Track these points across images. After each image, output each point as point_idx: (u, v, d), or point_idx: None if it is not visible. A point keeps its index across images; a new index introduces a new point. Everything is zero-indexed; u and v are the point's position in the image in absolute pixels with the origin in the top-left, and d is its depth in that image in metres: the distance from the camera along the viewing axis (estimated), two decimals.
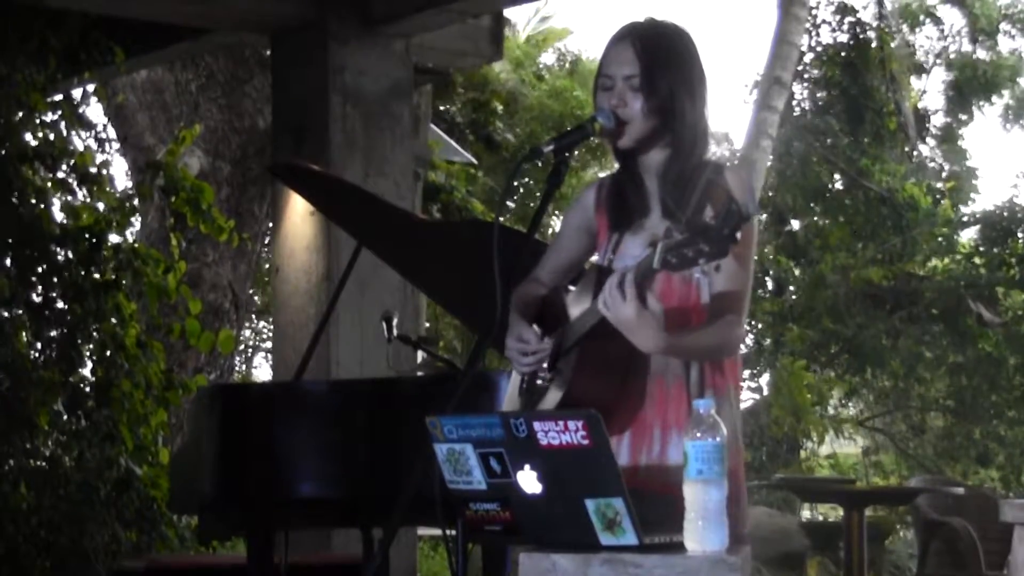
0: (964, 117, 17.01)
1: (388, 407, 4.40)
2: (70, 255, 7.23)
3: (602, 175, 3.21)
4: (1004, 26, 17.09)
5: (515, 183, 14.71)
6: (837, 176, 15.79)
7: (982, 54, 17.07)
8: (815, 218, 16.40)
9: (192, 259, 9.63)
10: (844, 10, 15.63)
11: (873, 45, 15.50)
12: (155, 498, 7.17)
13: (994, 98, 16.97)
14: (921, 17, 16.93)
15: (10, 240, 7.14)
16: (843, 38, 15.63)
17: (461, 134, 14.02)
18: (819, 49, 15.74)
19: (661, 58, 2.86)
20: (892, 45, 15.68)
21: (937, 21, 17.06)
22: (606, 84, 2.89)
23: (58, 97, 7.82)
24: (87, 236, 7.24)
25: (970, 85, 16.74)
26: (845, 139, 15.36)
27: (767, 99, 12.95)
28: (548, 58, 18.63)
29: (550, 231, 18.12)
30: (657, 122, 2.88)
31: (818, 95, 15.81)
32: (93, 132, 7.63)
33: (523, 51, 17.23)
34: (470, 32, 7.75)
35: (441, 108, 13.83)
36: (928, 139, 16.75)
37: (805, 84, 15.86)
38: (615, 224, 2.97)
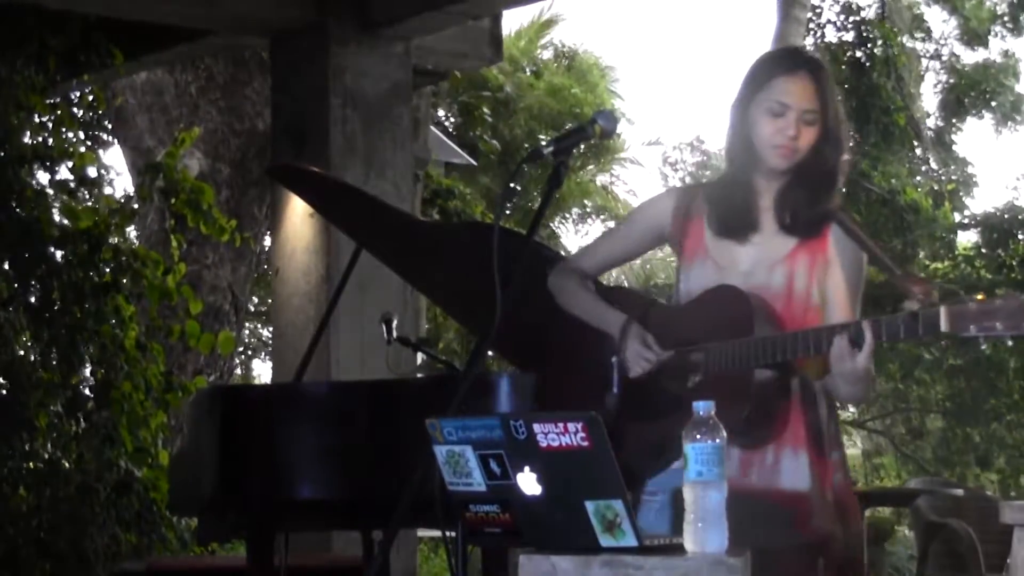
0: (958, 120, 17.02)
1: (388, 409, 4.39)
2: (69, 257, 7.23)
3: (678, 184, 3.31)
4: (995, 28, 17.08)
5: (514, 184, 14.71)
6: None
7: (974, 56, 17.08)
8: None
9: (192, 261, 9.62)
10: (849, 9, 15.63)
11: (879, 43, 15.48)
12: (155, 500, 7.16)
13: (991, 103, 16.96)
14: (912, 24, 16.95)
15: (9, 242, 7.13)
16: (848, 37, 15.63)
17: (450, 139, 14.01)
18: (824, 48, 15.73)
19: (833, 100, 3.00)
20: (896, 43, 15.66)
21: (922, 25, 17.07)
22: (776, 110, 2.97)
23: (57, 99, 7.82)
24: (86, 238, 7.23)
25: (966, 90, 16.74)
26: (849, 140, 15.35)
27: None
28: (545, 53, 18.63)
29: (560, 238, 18.17)
30: (812, 155, 2.99)
31: None
32: (93, 132, 7.62)
33: (520, 50, 17.21)
34: (469, 34, 7.75)
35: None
36: (924, 142, 16.75)
37: None
38: (724, 233, 3.03)
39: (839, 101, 3.04)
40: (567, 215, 18.67)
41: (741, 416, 2.80)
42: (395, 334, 4.97)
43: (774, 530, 2.43)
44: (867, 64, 15.36)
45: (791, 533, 2.82)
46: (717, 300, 2.96)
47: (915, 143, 15.90)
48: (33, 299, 7.22)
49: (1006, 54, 17.13)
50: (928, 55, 17.33)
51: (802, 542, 2.84)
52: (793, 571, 2.70)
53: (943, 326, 2.52)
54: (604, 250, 3.26)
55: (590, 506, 2.37)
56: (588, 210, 19.20)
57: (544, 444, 2.37)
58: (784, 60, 3.03)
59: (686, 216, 3.09)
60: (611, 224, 20.17)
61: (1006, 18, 16.96)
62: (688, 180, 22.69)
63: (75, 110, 7.71)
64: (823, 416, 2.97)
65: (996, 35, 17.10)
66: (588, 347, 3.09)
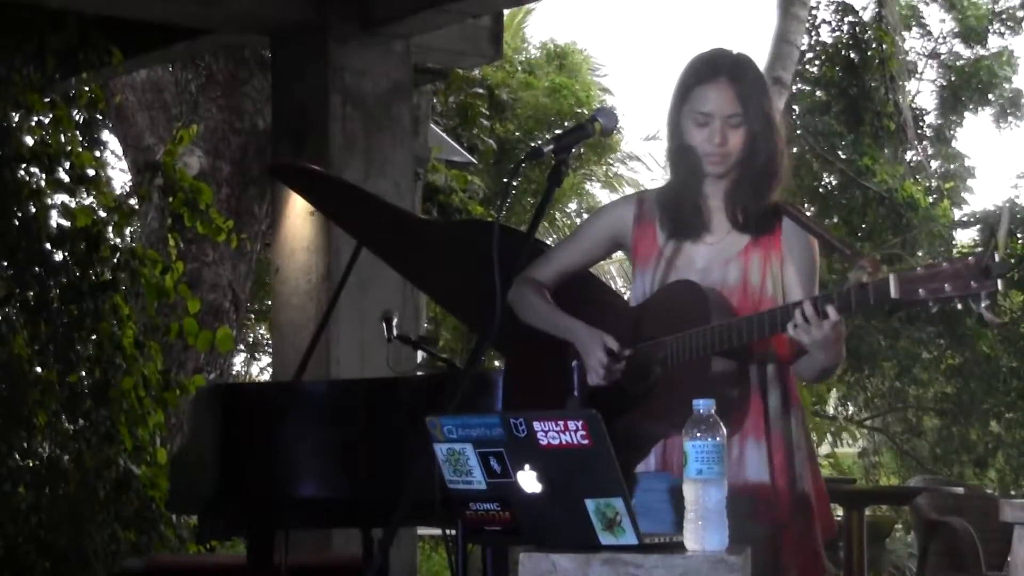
0: (956, 118, 17.01)
1: (388, 407, 4.40)
2: (67, 256, 7.22)
3: (643, 189, 3.32)
4: (994, 25, 17.08)
5: (513, 183, 14.69)
6: (833, 176, 15.77)
7: (972, 53, 17.06)
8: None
9: (192, 259, 9.61)
10: (845, 10, 15.61)
11: (873, 45, 15.49)
12: (154, 498, 7.17)
13: (988, 98, 16.95)
14: (910, 21, 16.94)
15: (7, 241, 7.13)
16: (843, 37, 15.61)
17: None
18: (819, 48, 15.73)
19: (757, 97, 3.01)
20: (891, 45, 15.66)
21: (922, 24, 17.06)
22: (700, 121, 3.00)
23: (56, 97, 7.80)
24: (84, 237, 7.23)
25: (963, 86, 16.73)
26: (844, 139, 15.35)
27: None
28: (535, 51, 18.57)
29: (550, 237, 18.14)
30: (746, 153, 3.01)
31: (817, 94, 15.81)
32: (91, 133, 7.61)
33: (512, 47, 17.15)
34: (470, 32, 7.75)
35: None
36: (922, 140, 16.74)
37: (804, 84, 15.85)
38: (677, 235, 3.06)
39: (767, 95, 3.05)
40: (564, 212, 18.64)
41: None
42: (395, 332, 4.97)
43: (739, 522, 2.43)
44: (860, 66, 15.35)
45: (751, 525, 2.79)
46: (671, 294, 2.99)
47: (905, 148, 15.91)
48: (31, 298, 7.21)
49: (1004, 51, 17.12)
50: (927, 53, 17.33)
51: (760, 534, 2.83)
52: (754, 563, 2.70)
53: (893, 292, 2.52)
54: (560, 259, 3.25)
55: (590, 504, 2.37)
56: (575, 210, 19.16)
57: (544, 442, 2.37)
58: (701, 69, 3.04)
59: (640, 221, 3.12)
60: None
61: (1004, 16, 16.97)
62: None
63: (73, 109, 7.69)
64: (777, 406, 2.98)
65: (995, 32, 17.10)
66: (551, 352, 3.10)
